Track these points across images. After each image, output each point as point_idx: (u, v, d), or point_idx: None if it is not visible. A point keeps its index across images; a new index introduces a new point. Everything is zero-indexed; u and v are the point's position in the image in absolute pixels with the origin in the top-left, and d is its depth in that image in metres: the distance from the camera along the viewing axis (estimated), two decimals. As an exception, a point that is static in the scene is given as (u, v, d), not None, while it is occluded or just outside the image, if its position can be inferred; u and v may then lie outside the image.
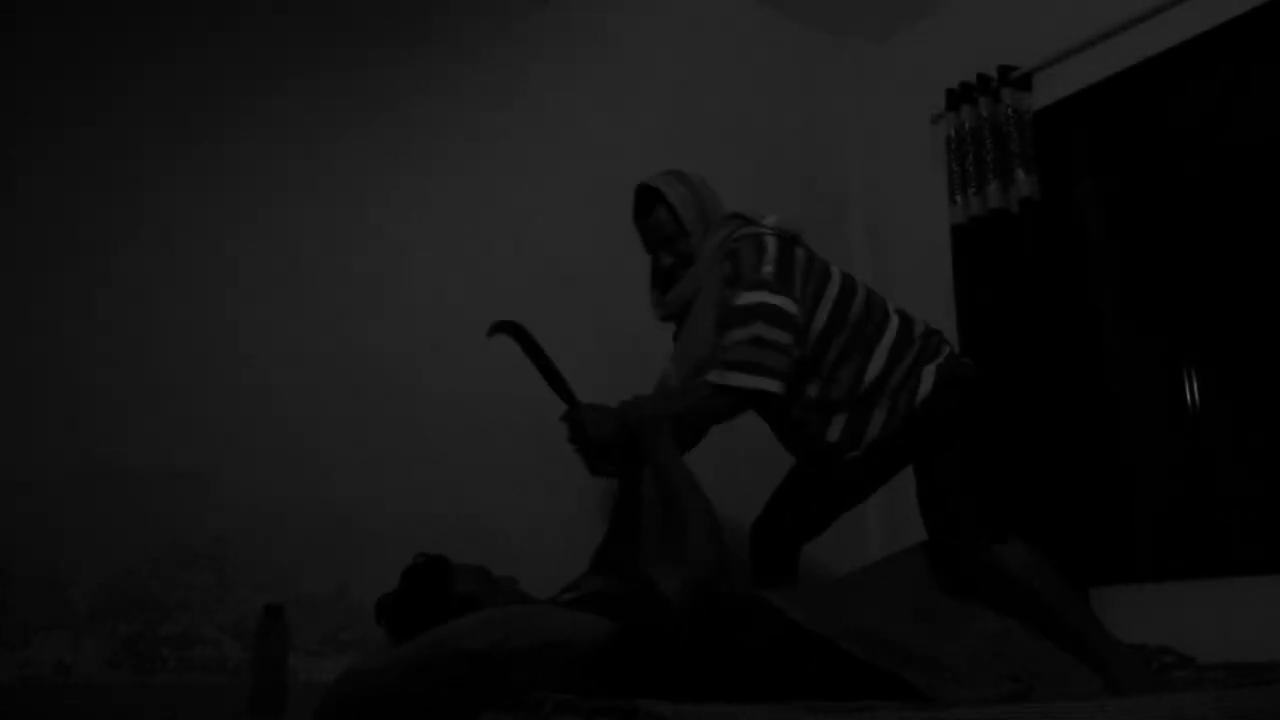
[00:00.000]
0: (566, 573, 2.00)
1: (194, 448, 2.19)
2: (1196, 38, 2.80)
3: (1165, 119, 3.07)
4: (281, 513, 2.25)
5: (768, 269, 2.01)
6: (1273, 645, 2.09)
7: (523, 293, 2.73)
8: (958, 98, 3.23)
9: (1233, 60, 2.86)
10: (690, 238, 2.12)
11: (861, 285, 2.19)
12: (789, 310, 1.99)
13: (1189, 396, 2.86)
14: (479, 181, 2.74)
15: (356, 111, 2.58)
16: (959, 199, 3.18)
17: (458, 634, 1.44)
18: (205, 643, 2.12)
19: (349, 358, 2.43)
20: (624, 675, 1.43)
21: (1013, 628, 1.94)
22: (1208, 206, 2.91)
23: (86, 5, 2.27)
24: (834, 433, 2.10)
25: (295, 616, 2.08)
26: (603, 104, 3.05)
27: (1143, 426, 2.98)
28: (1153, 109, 3.08)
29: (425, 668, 1.42)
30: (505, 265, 2.73)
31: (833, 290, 2.10)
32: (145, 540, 2.10)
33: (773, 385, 1.96)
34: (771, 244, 2.05)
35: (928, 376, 2.09)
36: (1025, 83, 3.13)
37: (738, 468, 2.59)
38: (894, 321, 2.15)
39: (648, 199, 2.17)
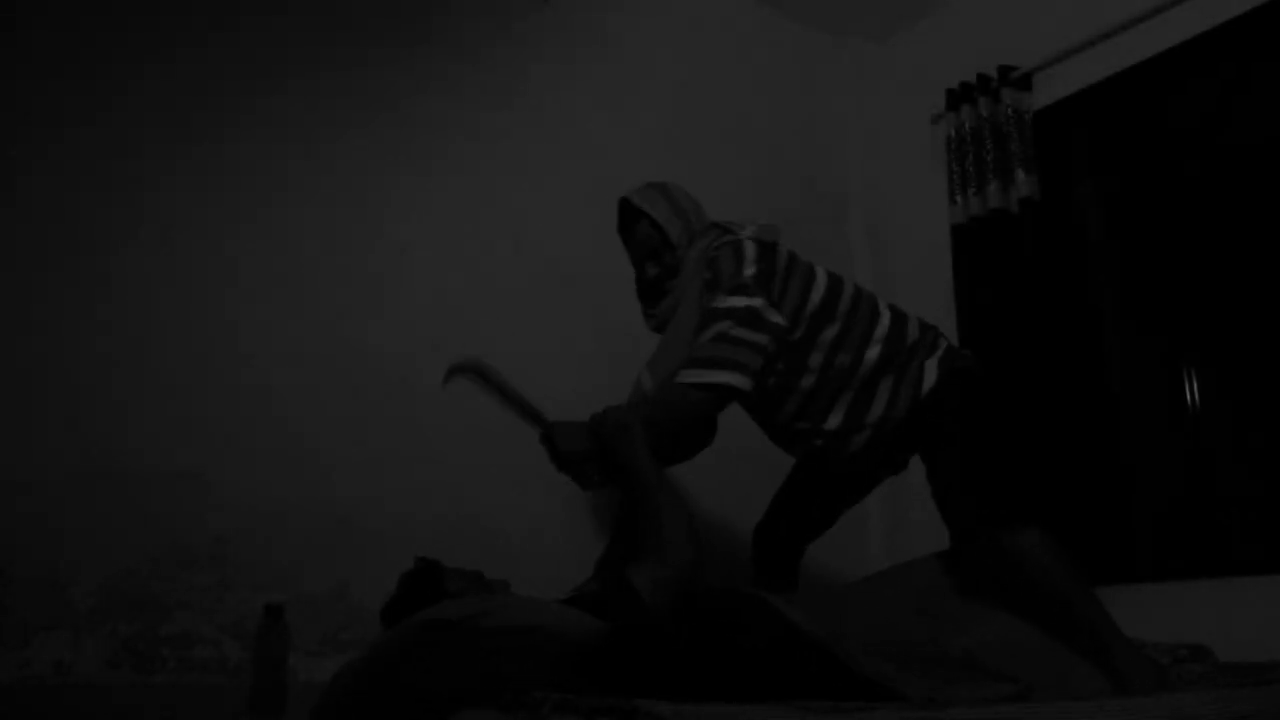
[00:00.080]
0: (566, 573, 2.00)
1: (194, 448, 2.19)
2: (1196, 38, 2.80)
3: (1165, 119, 3.07)
4: (281, 513, 2.26)
5: (747, 272, 2.02)
6: (1273, 645, 2.09)
7: (523, 293, 2.73)
8: (958, 98, 3.23)
9: (1233, 60, 2.86)
10: (676, 250, 2.13)
11: (850, 282, 2.19)
12: (761, 310, 2.00)
13: (1189, 396, 2.86)
14: (479, 181, 2.74)
15: (356, 111, 2.58)
16: (959, 199, 3.18)
17: (437, 608, 1.46)
18: (205, 643, 2.12)
19: (349, 358, 2.43)
20: (618, 673, 1.43)
21: (1018, 628, 1.94)
22: (1208, 206, 2.91)
23: (86, 5, 2.27)
24: (835, 420, 2.11)
25: (295, 616, 2.08)
26: (603, 104, 3.05)
27: (1143, 426, 2.98)
28: (1153, 109, 3.08)
29: (403, 646, 1.43)
30: (505, 265, 2.73)
31: (819, 287, 2.12)
32: (145, 540, 2.10)
33: (738, 380, 1.95)
34: (750, 249, 2.06)
35: (930, 369, 2.10)
36: (1025, 83, 3.13)
37: (737, 469, 2.59)
38: (886, 316, 2.15)
39: (630, 213, 2.19)
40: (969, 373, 2.15)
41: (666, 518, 1.82)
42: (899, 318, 2.17)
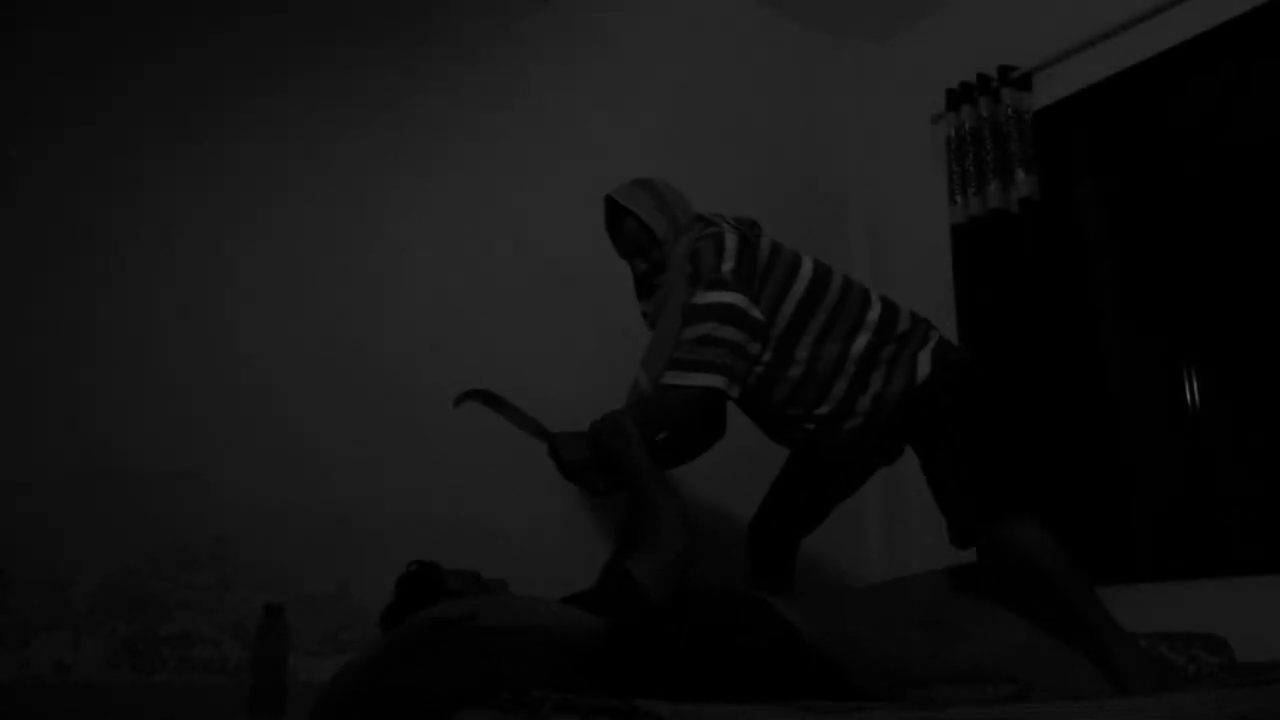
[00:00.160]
0: (566, 573, 2.00)
1: (194, 448, 2.19)
2: (1196, 38, 2.79)
3: (1165, 119, 3.07)
4: (281, 513, 2.25)
5: (727, 266, 2.03)
6: (1273, 645, 2.09)
7: (523, 293, 2.73)
8: (958, 98, 3.23)
9: (1233, 60, 2.86)
10: (662, 245, 2.15)
11: (838, 273, 2.19)
12: (743, 307, 2.00)
13: (1189, 396, 2.86)
14: (479, 181, 2.74)
15: (356, 111, 2.58)
16: (959, 199, 3.18)
17: (432, 610, 1.46)
18: (205, 643, 2.12)
19: (349, 358, 2.43)
20: (617, 673, 1.43)
21: (1019, 629, 1.94)
22: (1208, 206, 2.91)
23: (86, 5, 2.27)
24: (826, 406, 2.10)
25: (295, 616, 2.08)
26: (603, 104, 3.05)
27: (1143, 426, 2.98)
28: (1153, 109, 3.08)
29: (405, 646, 1.43)
30: (505, 265, 2.73)
31: (803, 277, 2.11)
32: (145, 540, 2.10)
33: (720, 382, 1.97)
34: (731, 241, 2.07)
35: (924, 361, 2.10)
36: (1025, 83, 3.13)
37: (736, 467, 2.59)
38: (877, 306, 2.15)
39: (617, 210, 2.21)
40: (962, 365, 2.15)
41: (662, 508, 1.84)
42: (890, 308, 2.17)
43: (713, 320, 1.99)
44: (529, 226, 2.78)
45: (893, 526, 3.22)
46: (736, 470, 2.56)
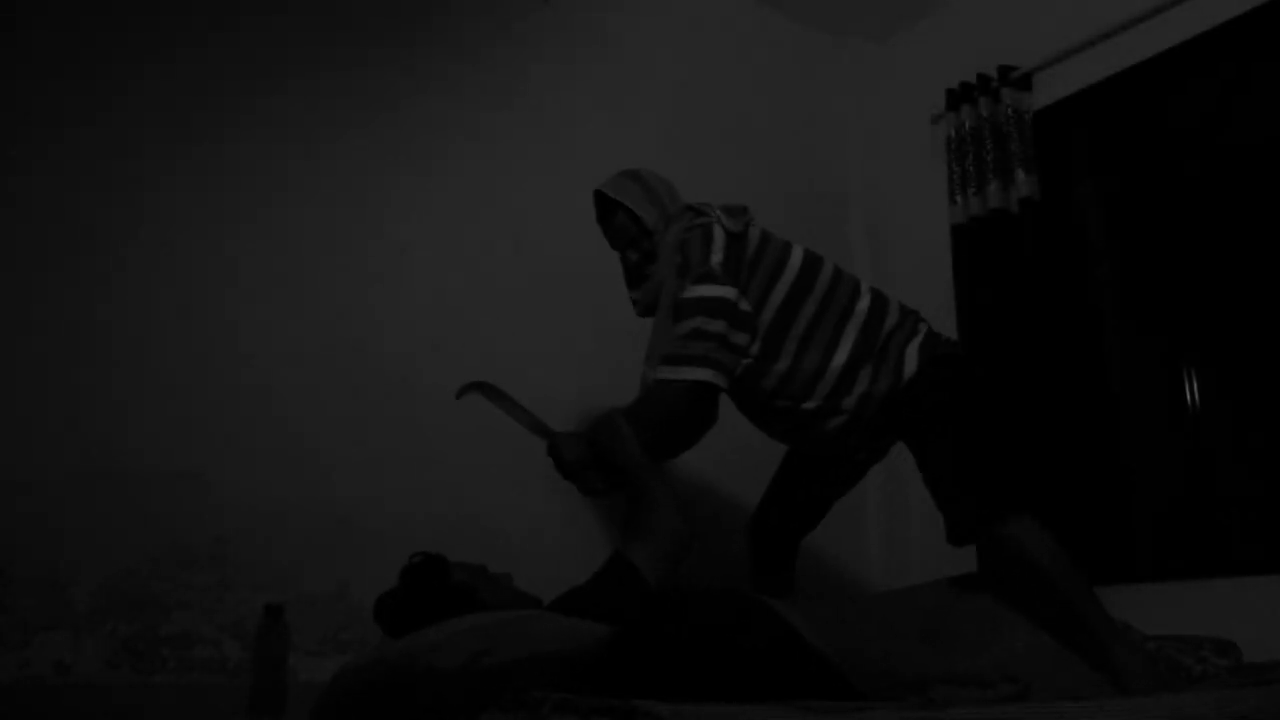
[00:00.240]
0: (566, 573, 2.00)
1: (194, 448, 2.19)
2: (1196, 38, 2.79)
3: (1165, 119, 3.07)
4: (281, 513, 2.25)
5: (715, 258, 2.04)
6: (1273, 645, 2.09)
7: (523, 293, 2.73)
8: (958, 98, 3.23)
9: (1233, 60, 2.85)
10: (653, 235, 2.16)
11: (829, 262, 2.19)
12: (730, 299, 2.01)
13: (1189, 396, 2.86)
14: (479, 181, 2.74)
15: (356, 111, 2.58)
16: (959, 199, 3.18)
17: (432, 648, 1.44)
18: (205, 643, 2.12)
19: (349, 358, 2.43)
20: (621, 678, 1.43)
21: (1021, 630, 1.94)
22: (1208, 206, 2.91)
23: (86, 5, 2.27)
24: (813, 403, 2.10)
25: (295, 616, 2.07)
26: (603, 104, 3.05)
27: (1143, 426, 2.98)
28: (1153, 109, 3.08)
29: (403, 678, 1.42)
30: (505, 265, 2.73)
31: (791, 267, 2.11)
32: (145, 540, 2.10)
33: (707, 375, 1.97)
34: (719, 233, 2.07)
35: (911, 355, 2.09)
36: (1025, 83, 3.13)
37: (735, 456, 2.59)
38: (866, 297, 2.15)
39: (606, 203, 2.22)
40: (952, 359, 2.14)
41: (657, 497, 1.85)
42: (879, 299, 2.16)
43: (702, 314, 1.99)
44: (529, 226, 2.78)
45: (893, 526, 3.22)
46: (736, 459, 2.56)
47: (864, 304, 2.13)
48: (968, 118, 3.19)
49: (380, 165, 2.59)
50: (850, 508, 2.52)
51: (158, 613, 2.09)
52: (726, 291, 2.01)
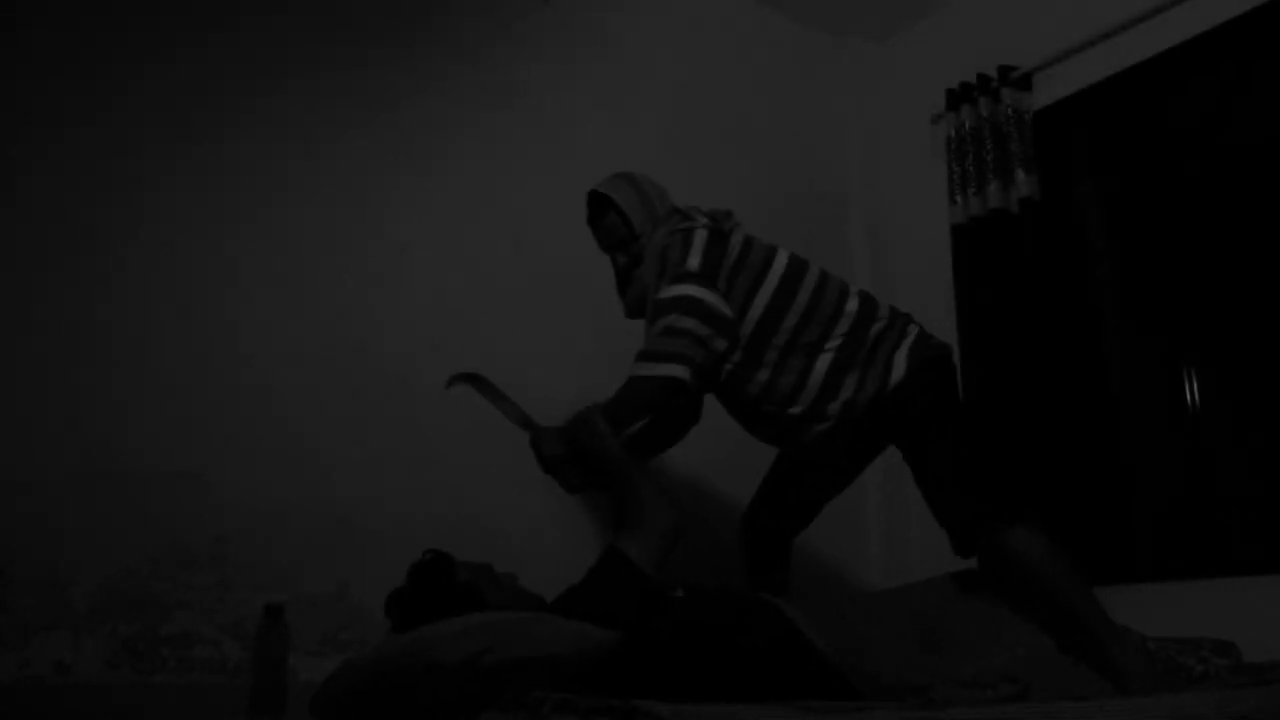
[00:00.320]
0: (566, 573, 2.00)
1: (194, 448, 2.19)
2: (1196, 38, 2.79)
3: (1165, 119, 3.07)
4: (281, 513, 2.25)
5: (693, 261, 2.05)
6: (1273, 645, 2.09)
7: (523, 293, 2.73)
8: (958, 98, 3.23)
9: (1233, 60, 2.85)
10: (641, 239, 2.17)
11: (815, 267, 2.19)
12: (707, 300, 2.01)
13: (1189, 396, 2.86)
14: (479, 181, 2.74)
15: (356, 111, 2.58)
16: (959, 199, 3.18)
17: (437, 641, 1.44)
18: (205, 643, 2.12)
19: (349, 358, 2.43)
20: (625, 681, 1.43)
21: (1020, 632, 1.94)
22: (1208, 206, 2.91)
23: (86, 5, 2.27)
24: (798, 408, 2.10)
25: (295, 616, 2.07)
26: (603, 104, 3.05)
27: (1143, 426, 2.97)
28: (1153, 109, 3.08)
29: (406, 673, 1.42)
30: (505, 265, 2.73)
31: (776, 272, 2.12)
32: (145, 540, 2.10)
33: (679, 372, 1.98)
34: (699, 238, 2.08)
35: (899, 361, 2.08)
36: (1025, 83, 3.13)
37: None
38: (854, 301, 2.14)
39: (599, 204, 2.24)
40: (941, 362, 2.14)
41: (644, 489, 1.86)
42: (868, 302, 2.16)
43: (675, 312, 2.01)
44: (529, 226, 2.78)
45: (893, 526, 3.22)
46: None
47: (851, 307, 2.13)
48: (968, 118, 3.19)
49: (380, 165, 2.59)
50: (850, 508, 2.52)
51: (158, 613, 2.09)
52: (701, 291, 2.02)
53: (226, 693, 2.05)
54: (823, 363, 2.08)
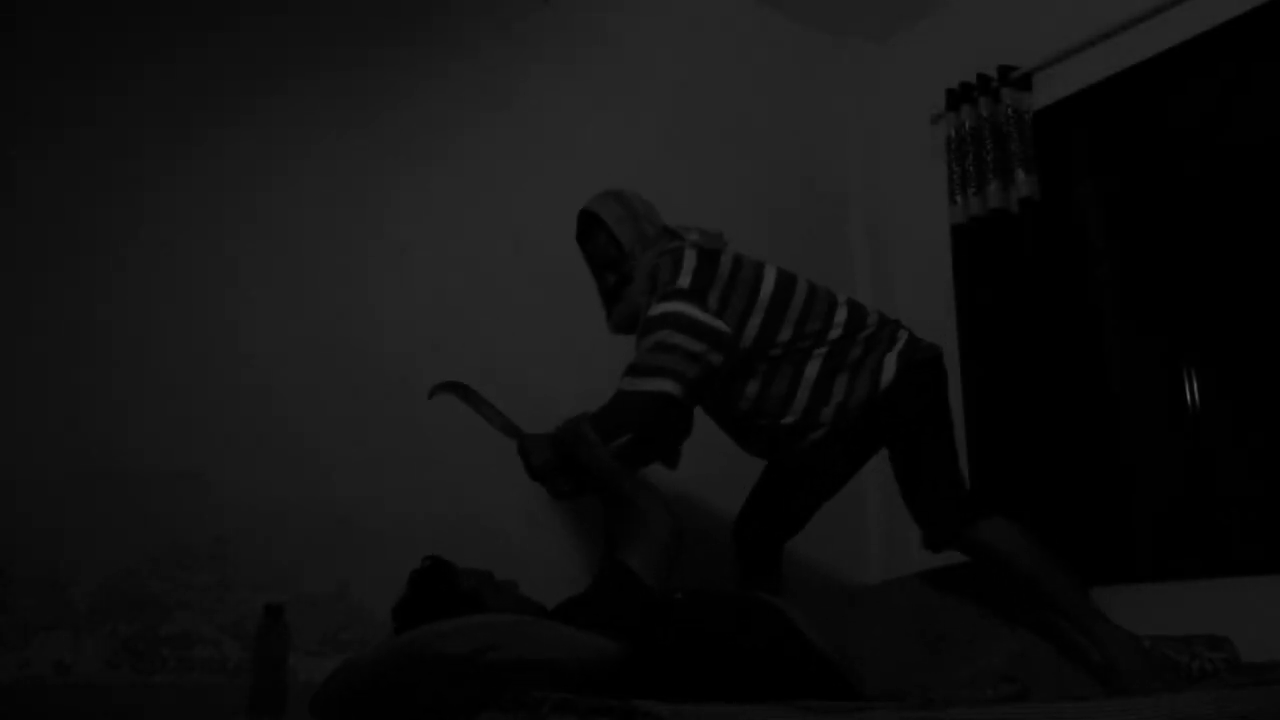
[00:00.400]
0: (566, 573, 2.00)
1: (194, 448, 2.19)
2: (1196, 38, 2.79)
3: (1165, 119, 3.07)
4: (281, 513, 2.25)
5: (683, 280, 2.06)
6: (1273, 645, 2.09)
7: (523, 293, 2.73)
8: (958, 98, 3.23)
9: (1233, 60, 2.85)
10: (631, 258, 2.18)
11: (803, 280, 2.20)
12: (698, 318, 2.03)
13: (1189, 396, 2.86)
14: (479, 182, 2.74)
15: (356, 111, 2.58)
16: (959, 199, 3.17)
17: (442, 635, 1.45)
18: (205, 643, 2.12)
19: (349, 358, 2.43)
20: (623, 692, 1.43)
21: (1017, 645, 1.94)
22: (1208, 206, 2.91)
23: (86, 5, 2.27)
24: (790, 417, 2.12)
25: (295, 616, 2.07)
26: (603, 104, 3.05)
27: (1143, 426, 2.97)
28: (1153, 109, 3.08)
29: (409, 667, 1.43)
30: (505, 265, 2.73)
31: (766, 291, 2.13)
32: (145, 540, 2.10)
33: (669, 386, 1.98)
34: (689, 258, 2.10)
35: (889, 364, 2.11)
36: (1025, 83, 3.13)
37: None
38: (843, 311, 2.16)
39: (588, 222, 2.25)
40: (930, 364, 2.15)
41: (642, 500, 1.87)
42: (856, 311, 2.18)
43: (666, 328, 2.02)
44: (529, 226, 2.78)
45: (893, 526, 3.22)
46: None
47: (841, 316, 2.15)
48: (968, 118, 3.19)
49: (380, 165, 2.59)
50: (850, 508, 2.52)
51: (158, 613, 2.09)
52: (691, 309, 2.03)
53: (226, 693, 2.05)
54: (812, 370, 2.11)
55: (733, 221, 3.09)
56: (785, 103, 3.53)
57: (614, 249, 2.21)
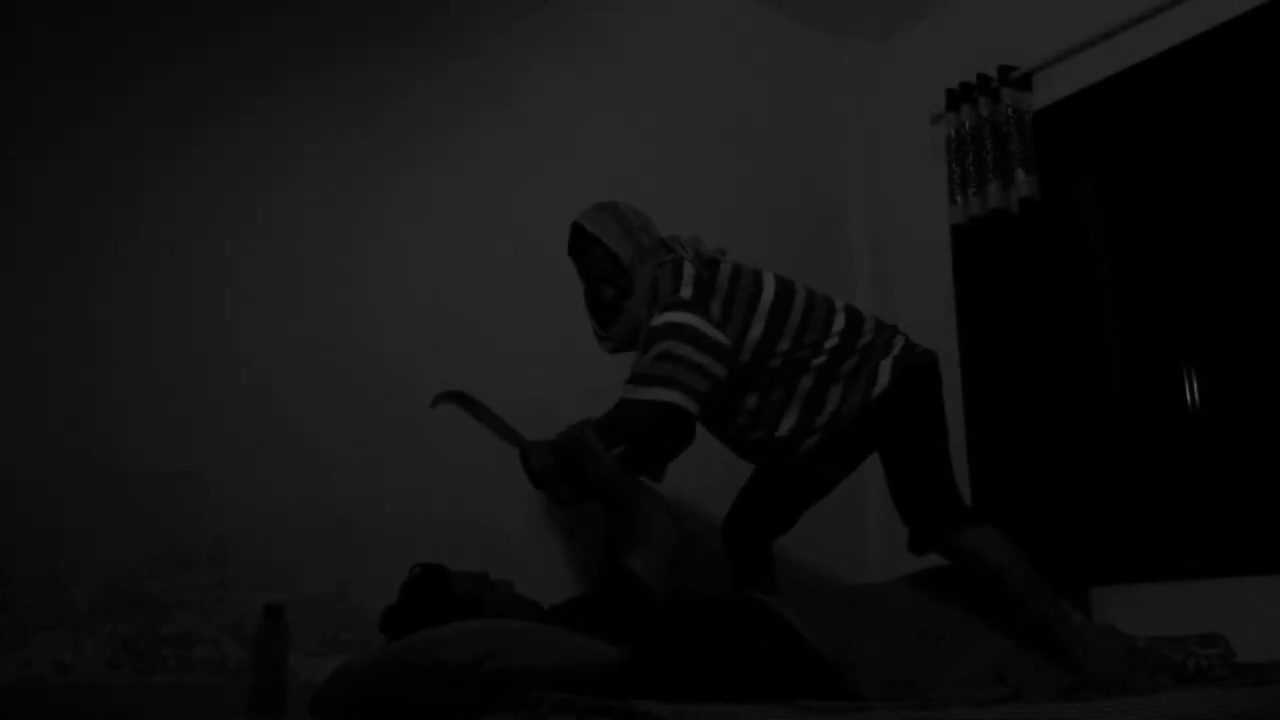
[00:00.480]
0: (566, 573, 2.01)
1: (194, 448, 2.19)
2: (1196, 38, 2.79)
3: (1165, 119, 3.07)
4: (281, 513, 2.25)
5: (684, 291, 2.06)
6: (1273, 645, 2.09)
7: (523, 293, 2.73)
8: (958, 98, 3.23)
9: (1233, 60, 2.85)
10: (629, 272, 2.18)
11: (801, 288, 2.20)
12: (701, 328, 2.02)
13: (1189, 396, 2.86)
14: (479, 182, 2.74)
15: (356, 111, 2.58)
16: (959, 199, 3.18)
17: (440, 642, 1.44)
18: (205, 643, 2.12)
19: (349, 358, 2.43)
20: (625, 695, 1.43)
21: (1008, 644, 1.94)
22: (1208, 206, 2.91)
23: (86, 5, 2.27)
24: (786, 426, 2.12)
25: (295, 616, 2.07)
26: (603, 104, 3.05)
27: (1143, 426, 2.98)
28: (1153, 109, 3.08)
29: (407, 675, 1.42)
30: (505, 265, 2.73)
31: (766, 299, 2.13)
32: (145, 540, 2.10)
33: (679, 398, 1.98)
34: (689, 269, 2.10)
35: (884, 371, 2.11)
36: (1025, 83, 3.13)
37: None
38: (840, 318, 2.16)
39: (582, 236, 2.23)
40: (926, 370, 2.16)
41: (645, 506, 1.87)
42: (854, 317, 2.18)
43: (671, 338, 2.01)
44: (529, 226, 2.78)
45: (893, 526, 3.21)
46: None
47: (839, 324, 2.15)
48: (968, 118, 3.19)
49: (380, 165, 2.59)
50: (850, 507, 2.52)
51: (158, 613, 2.09)
52: (694, 319, 2.03)
53: (226, 693, 2.05)
54: (808, 378, 2.11)
55: (733, 222, 3.11)
56: (785, 103, 3.53)
57: (610, 264, 2.20)
